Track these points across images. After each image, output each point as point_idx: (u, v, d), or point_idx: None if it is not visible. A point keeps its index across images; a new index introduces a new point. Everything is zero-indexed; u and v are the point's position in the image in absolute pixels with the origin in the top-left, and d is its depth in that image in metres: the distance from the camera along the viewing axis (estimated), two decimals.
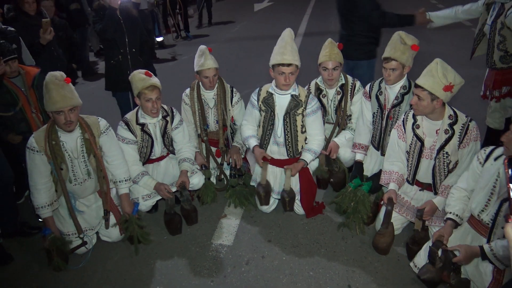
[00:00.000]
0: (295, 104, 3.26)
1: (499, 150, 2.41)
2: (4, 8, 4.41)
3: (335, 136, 3.70)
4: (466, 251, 2.36)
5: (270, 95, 3.30)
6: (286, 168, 3.34)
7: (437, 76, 2.61)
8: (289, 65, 3.07)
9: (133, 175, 3.34)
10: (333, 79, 3.50)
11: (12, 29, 3.77)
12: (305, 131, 3.35)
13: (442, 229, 2.59)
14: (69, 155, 2.98)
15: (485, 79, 3.86)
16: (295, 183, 3.45)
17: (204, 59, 3.45)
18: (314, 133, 3.35)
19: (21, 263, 3.18)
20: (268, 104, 3.31)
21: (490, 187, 2.39)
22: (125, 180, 3.24)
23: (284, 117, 3.29)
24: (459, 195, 2.62)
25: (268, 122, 3.35)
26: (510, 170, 0.98)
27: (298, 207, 3.51)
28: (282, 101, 3.28)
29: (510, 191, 0.98)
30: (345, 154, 3.62)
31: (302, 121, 3.30)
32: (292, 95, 3.26)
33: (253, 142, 3.45)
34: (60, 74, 2.83)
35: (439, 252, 2.49)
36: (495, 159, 2.41)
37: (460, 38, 8.12)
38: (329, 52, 3.43)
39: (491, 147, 2.50)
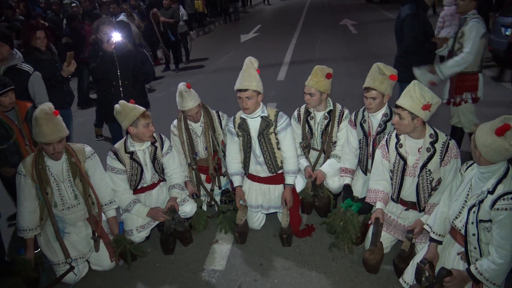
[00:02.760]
0: (266, 124, 3.40)
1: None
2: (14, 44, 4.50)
3: (320, 164, 3.81)
4: (457, 276, 2.43)
5: (243, 120, 3.44)
6: (283, 207, 3.48)
7: (415, 96, 2.75)
8: (245, 90, 3.22)
9: (125, 203, 3.39)
10: (309, 103, 3.67)
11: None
12: (280, 147, 3.48)
13: (429, 253, 2.66)
14: (54, 179, 3.08)
15: (450, 87, 4.36)
16: (278, 196, 3.58)
17: (183, 101, 3.56)
18: (287, 149, 3.45)
19: None
20: (243, 129, 3.44)
21: (464, 195, 2.50)
22: (110, 203, 3.35)
23: (258, 138, 3.41)
24: (442, 211, 2.71)
25: (246, 145, 3.48)
26: None
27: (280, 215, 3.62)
28: (254, 124, 3.42)
29: None
30: (333, 184, 3.71)
31: (276, 139, 3.44)
32: (262, 117, 3.39)
33: (236, 181, 3.59)
34: (48, 107, 2.95)
35: (426, 271, 2.54)
36: (472, 169, 2.55)
37: None
38: (310, 78, 3.61)
39: (471, 162, 2.62)
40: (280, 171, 3.53)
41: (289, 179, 3.49)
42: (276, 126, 3.40)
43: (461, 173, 2.65)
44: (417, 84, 2.82)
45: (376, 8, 19.71)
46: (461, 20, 4.21)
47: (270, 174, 3.54)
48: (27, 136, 3.47)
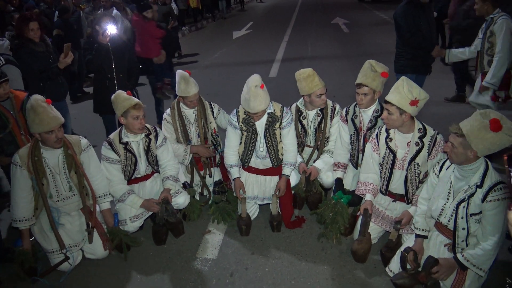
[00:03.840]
0: (272, 120, 3.46)
1: (449, 161, 2.68)
2: (6, 35, 4.47)
3: (314, 160, 3.89)
4: (444, 264, 2.54)
5: (248, 115, 3.48)
6: (273, 195, 3.58)
7: (403, 92, 2.85)
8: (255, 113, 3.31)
9: (119, 194, 3.44)
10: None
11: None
12: (282, 141, 3.56)
13: (415, 246, 2.78)
14: (50, 170, 3.11)
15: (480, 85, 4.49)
16: (273, 187, 3.67)
17: (188, 86, 3.66)
18: (289, 143, 3.55)
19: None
20: (248, 124, 3.49)
21: (445, 193, 2.62)
22: (104, 195, 3.38)
23: (265, 133, 3.48)
24: (422, 210, 2.86)
25: (250, 140, 3.53)
26: (508, 167, 1.18)
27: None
28: (261, 120, 3.48)
29: (511, 179, 1.17)
30: (328, 179, 3.78)
31: (280, 133, 3.52)
32: (268, 113, 3.45)
33: (235, 173, 3.64)
34: (41, 97, 3.00)
35: (410, 257, 2.65)
36: (447, 168, 2.68)
37: None
38: (318, 81, 3.61)
39: (443, 160, 2.78)
40: (279, 164, 3.62)
41: (286, 170, 3.59)
42: (281, 122, 3.48)
43: (435, 173, 2.77)
44: (405, 80, 2.91)
45: (367, 8, 19.85)
46: (487, 21, 4.37)
47: (269, 166, 3.62)
48: (22, 125, 3.49)
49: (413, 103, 2.84)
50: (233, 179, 3.66)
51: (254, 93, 3.22)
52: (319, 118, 3.81)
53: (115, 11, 8.42)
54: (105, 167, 3.43)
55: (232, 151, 3.63)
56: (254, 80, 3.27)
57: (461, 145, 2.40)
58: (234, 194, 3.74)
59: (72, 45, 4.19)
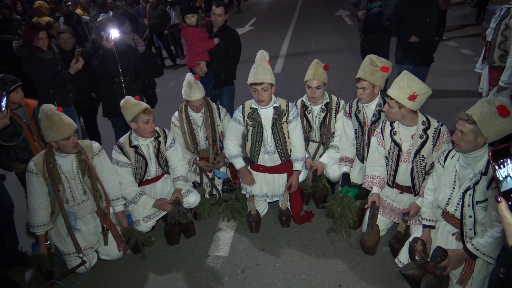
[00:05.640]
0: (279, 114, 3.50)
1: (453, 151, 2.73)
2: (14, 44, 4.51)
3: (320, 155, 3.93)
4: (453, 256, 2.57)
5: (254, 110, 3.53)
6: (285, 190, 3.64)
7: (402, 87, 2.88)
8: (260, 83, 3.32)
9: (131, 195, 3.52)
10: (315, 97, 3.75)
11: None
12: (290, 136, 3.60)
13: (423, 237, 2.83)
14: (65, 176, 3.19)
15: (488, 78, 4.43)
16: (281, 184, 3.72)
17: (191, 91, 3.71)
18: (296, 137, 3.59)
19: None
20: (254, 118, 3.54)
21: (451, 182, 2.65)
22: (117, 199, 3.45)
23: (272, 127, 3.52)
24: (429, 200, 2.89)
25: (256, 135, 3.57)
26: (493, 162, 1.22)
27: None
28: (266, 114, 3.52)
29: (496, 173, 1.21)
30: (334, 172, 3.81)
31: (287, 128, 3.56)
32: (274, 107, 3.50)
33: (238, 163, 3.68)
34: (52, 106, 3.08)
35: (418, 247, 2.69)
36: (451, 158, 2.72)
37: None
38: (314, 72, 3.68)
39: (447, 150, 2.81)
40: (288, 159, 3.66)
41: (297, 166, 3.64)
42: (288, 116, 3.52)
43: (440, 164, 2.80)
44: (406, 74, 2.93)
45: None
46: (502, 11, 4.18)
47: (278, 163, 3.66)
48: (35, 132, 3.56)
49: (412, 98, 2.86)
50: (238, 170, 3.70)
51: (261, 65, 3.31)
52: (323, 114, 3.84)
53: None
54: (116, 170, 3.50)
55: (232, 143, 3.68)
56: (262, 53, 3.39)
57: (472, 132, 2.43)
58: (243, 192, 3.81)
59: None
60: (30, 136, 3.55)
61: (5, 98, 2.95)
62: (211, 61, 4.68)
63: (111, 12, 8.42)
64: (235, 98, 5.03)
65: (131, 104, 3.37)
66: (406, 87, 2.85)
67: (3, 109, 2.91)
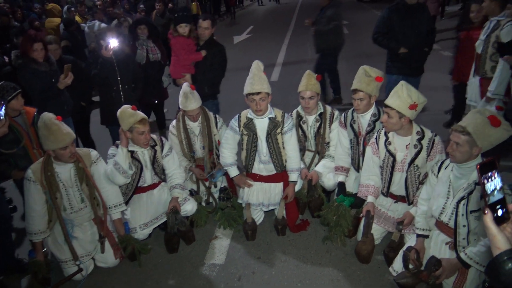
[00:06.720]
0: (274, 125, 3.55)
1: (447, 162, 2.77)
2: (12, 55, 4.51)
3: (315, 164, 3.97)
4: (446, 265, 2.60)
5: (250, 120, 3.58)
6: (281, 200, 3.68)
7: (402, 96, 2.94)
8: (258, 93, 3.37)
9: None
10: (309, 107, 3.80)
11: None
12: (285, 147, 3.64)
13: (417, 246, 2.86)
14: (63, 184, 3.21)
15: (480, 91, 4.44)
16: (277, 193, 3.76)
17: (187, 101, 3.74)
18: (291, 149, 3.62)
19: None
20: (249, 128, 3.58)
21: (445, 192, 2.70)
22: (114, 206, 3.47)
23: (266, 138, 3.56)
24: (422, 210, 2.94)
25: (251, 144, 3.62)
26: (482, 176, 1.28)
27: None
28: (262, 124, 3.57)
29: (484, 187, 1.26)
30: (329, 181, 3.85)
31: (282, 139, 3.60)
32: (269, 118, 3.54)
33: (233, 171, 3.74)
34: (52, 115, 3.12)
35: (412, 255, 2.73)
36: (445, 168, 2.77)
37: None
38: (306, 83, 3.74)
39: (441, 160, 2.87)
40: (283, 169, 3.70)
41: (293, 176, 3.67)
42: (283, 127, 3.57)
43: (434, 174, 2.86)
44: (405, 84, 3.00)
45: (366, 8, 19.93)
46: (492, 23, 4.21)
47: (273, 173, 3.70)
48: (34, 140, 3.59)
49: (412, 107, 2.93)
50: (233, 178, 3.75)
51: (257, 74, 3.38)
52: (318, 124, 3.89)
53: (115, 22, 8.56)
54: (110, 163, 3.41)
55: (228, 151, 3.71)
56: (257, 63, 3.48)
57: (467, 143, 2.49)
58: (239, 200, 3.84)
59: (77, 56, 4.25)
60: (30, 143, 3.58)
61: (3, 107, 2.98)
62: (195, 73, 4.64)
63: (116, 21, 8.48)
64: (234, 105, 5.05)
65: (127, 115, 3.35)
66: (407, 96, 2.92)
67: (1, 118, 2.94)
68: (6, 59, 5.52)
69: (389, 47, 5.06)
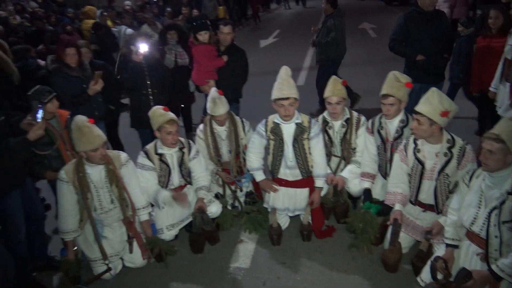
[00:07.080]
0: (301, 130, 3.55)
1: (479, 171, 2.71)
2: (47, 59, 4.62)
3: (341, 170, 3.94)
4: (477, 277, 2.52)
5: (277, 125, 3.59)
6: (307, 206, 3.69)
7: (434, 103, 2.90)
8: (287, 98, 3.39)
9: (154, 194, 3.58)
10: (336, 113, 3.79)
11: None
12: (311, 152, 3.63)
13: (445, 256, 2.80)
14: (94, 185, 3.31)
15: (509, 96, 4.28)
16: (303, 198, 3.76)
17: (215, 107, 3.80)
18: (317, 154, 3.62)
19: None
20: (276, 133, 3.60)
21: (477, 201, 2.63)
22: (143, 208, 3.54)
23: (293, 143, 3.57)
24: (452, 220, 2.86)
25: (278, 149, 3.63)
26: None
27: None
28: (288, 130, 3.58)
29: None
30: (355, 187, 3.83)
31: (309, 144, 3.60)
32: (296, 123, 3.55)
33: (259, 176, 3.79)
34: (85, 117, 3.23)
35: (440, 264, 2.67)
36: (477, 177, 2.70)
37: None
38: (333, 88, 3.73)
39: (472, 169, 2.81)
40: (309, 175, 3.69)
41: (319, 182, 3.67)
42: (310, 133, 3.57)
43: (465, 183, 2.79)
44: (436, 91, 2.96)
45: (395, 11, 19.60)
46: None
47: (299, 178, 3.69)
48: (67, 142, 3.71)
49: (444, 114, 2.88)
50: (259, 182, 3.78)
51: (286, 79, 3.41)
52: (344, 129, 3.87)
53: (144, 26, 8.75)
54: (141, 175, 3.58)
55: (254, 155, 3.75)
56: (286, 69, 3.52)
57: (501, 151, 2.44)
58: (265, 205, 3.86)
59: (105, 59, 4.32)
60: (63, 145, 3.69)
61: (41, 110, 3.09)
62: (218, 79, 4.74)
63: (146, 25, 8.66)
64: (260, 109, 5.08)
65: (157, 114, 3.50)
66: (438, 103, 2.88)
67: (38, 120, 3.06)
68: (42, 62, 5.69)
69: (405, 54, 4.96)
